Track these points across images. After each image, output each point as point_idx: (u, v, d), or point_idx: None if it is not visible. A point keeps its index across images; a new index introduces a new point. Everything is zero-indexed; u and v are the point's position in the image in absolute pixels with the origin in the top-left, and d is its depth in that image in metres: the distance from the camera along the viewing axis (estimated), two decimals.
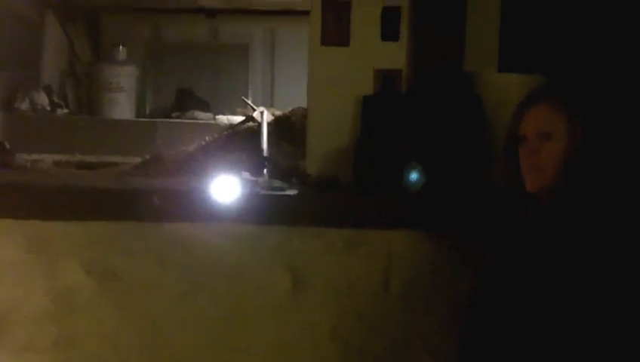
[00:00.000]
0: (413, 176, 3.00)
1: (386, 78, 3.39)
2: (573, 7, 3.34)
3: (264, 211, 3.03)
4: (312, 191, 3.25)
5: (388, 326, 2.99)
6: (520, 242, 1.83)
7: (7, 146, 4.29)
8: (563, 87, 1.95)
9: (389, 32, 3.44)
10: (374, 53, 3.45)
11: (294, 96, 5.79)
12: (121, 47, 6.95)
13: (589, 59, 3.19)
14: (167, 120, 6.83)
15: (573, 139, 1.81)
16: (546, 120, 1.85)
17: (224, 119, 6.31)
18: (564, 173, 1.81)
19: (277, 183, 3.40)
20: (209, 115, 6.87)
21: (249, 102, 5.30)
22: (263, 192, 3.21)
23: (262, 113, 4.46)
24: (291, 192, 3.24)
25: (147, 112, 7.28)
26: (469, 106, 3.20)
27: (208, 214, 2.95)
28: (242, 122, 4.70)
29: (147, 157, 4.22)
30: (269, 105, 6.12)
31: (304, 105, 4.11)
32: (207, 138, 4.49)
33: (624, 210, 1.77)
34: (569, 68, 3.21)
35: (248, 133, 4.45)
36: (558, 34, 3.39)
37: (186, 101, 7.06)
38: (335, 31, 3.46)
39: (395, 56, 3.43)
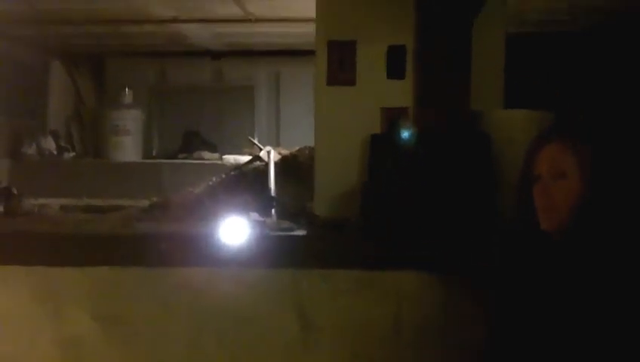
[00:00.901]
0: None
1: (393, 117, 3.38)
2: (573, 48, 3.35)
3: (272, 253, 3.00)
4: (321, 233, 3.22)
5: None
6: (535, 282, 1.80)
7: (15, 192, 4.28)
8: (572, 126, 1.94)
9: (395, 71, 3.43)
10: (380, 92, 3.44)
11: (299, 135, 5.81)
12: (127, 90, 6.99)
13: (596, 95, 3.18)
14: (174, 161, 6.85)
15: (584, 177, 1.79)
16: (558, 159, 1.84)
17: (231, 159, 6.32)
18: (577, 211, 1.79)
19: (285, 224, 3.37)
20: (215, 155, 6.89)
21: (256, 141, 5.29)
22: (272, 233, 3.17)
23: (269, 152, 4.44)
24: (300, 233, 3.21)
25: (154, 154, 7.30)
26: (477, 144, 3.18)
27: (216, 258, 2.92)
28: (249, 162, 4.68)
29: (154, 200, 4.20)
30: (275, 144, 6.12)
31: (309, 143, 4.10)
32: (213, 178, 4.47)
33: (636, 248, 1.75)
34: (576, 103, 3.20)
35: (255, 173, 4.43)
36: (562, 71, 3.39)
37: (192, 142, 7.09)
38: (341, 71, 3.46)
39: (402, 94, 3.42)
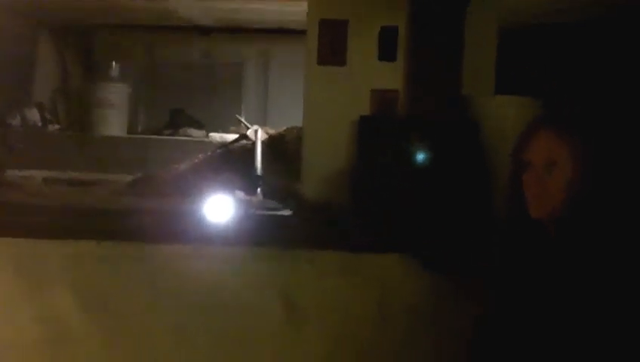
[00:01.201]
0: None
1: (383, 99, 3.35)
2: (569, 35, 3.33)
3: (258, 232, 2.98)
4: (307, 214, 3.20)
5: (384, 352, 2.93)
6: (528, 272, 1.79)
7: None
8: (566, 114, 1.92)
9: (387, 52, 3.41)
10: (371, 74, 3.42)
11: (288, 115, 5.77)
12: (114, 64, 6.93)
13: (590, 86, 3.18)
14: (160, 137, 6.80)
15: (577, 168, 1.78)
16: (549, 147, 1.82)
17: (217, 137, 6.27)
18: (569, 201, 1.78)
19: (271, 203, 3.35)
20: (202, 132, 6.84)
21: (243, 120, 5.26)
22: (257, 212, 3.15)
23: (256, 131, 4.41)
24: (286, 213, 3.20)
25: (139, 130, 7.24)
26: (466, 130, 3.16)
27: (201, 236, 2.90)
28: (236, 140, 4.65)
29: (139, 175, 4.17)
30: (263, 123, 6.08)
31: (297, 124, 4.07)
32: (199, 156, 4.44)
33: (632, 238, 1.74)
34: (570, 93, 3.19)
35: (242, 151, 4.40)
36: (554, 58, 3.38)
37: (178, 119, 7.03)
38: (332, 51, 3.43)
39: (392, 76, 3.39)
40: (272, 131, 4.59)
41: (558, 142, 1.82)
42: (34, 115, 6.51)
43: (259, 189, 3.64)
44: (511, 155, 1.91)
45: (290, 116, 5.22)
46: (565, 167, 1.80)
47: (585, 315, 1.67)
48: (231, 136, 5.15)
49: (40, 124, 6.56)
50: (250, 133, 4.50)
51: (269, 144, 4.33)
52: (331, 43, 3.42)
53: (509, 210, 1.93)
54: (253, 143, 4.31)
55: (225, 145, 4.65)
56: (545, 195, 1.81)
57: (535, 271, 1.79)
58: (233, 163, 4.14)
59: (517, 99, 3.18)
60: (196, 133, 6.79)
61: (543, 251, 1.80)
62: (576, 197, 1.77)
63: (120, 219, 3.03)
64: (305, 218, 3.15)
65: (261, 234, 2.99)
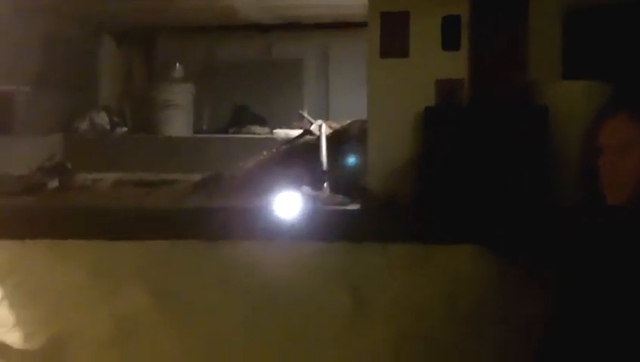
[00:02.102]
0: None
1: (448, 89, 3.32)
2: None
3: (327, 228, 2.98)
4: (374, 207, 3.19)
5: (453, 345, 2.90)
6: (602, 258, 1.74)
7: (69, 166, 4.34)
8: (638, 97, 1.86)
9: (450, 41, 3.36)
10: (435, 64, 3.38)
11: (349, 108, 5.76)
12: (177, 65, 7.02)
13: None
14: (224, 135, 6.87)
15: None
16: (624, 130, 1.77)
17: (282, 133, 6.31)
18: None
19: (338, 198, 3.35)
20: (266, 129, 6.88)
21: (306, 115, 5.27)
22: (325, 207, 3.16)
23: (320, 126, 4.41)
24: (353, 207, 3.19)
25: (204, 129, 7.33)
26: (534, 116, 3.11)
27: (271, 232, 2.91)
28: (300, 136, 4.66)
29: (207, 174, 4.21)
30: (325, 118, 6.09)
31: (359, 117, 4.05)
32: (264, 153, 4.46)
33: None
34: (637, 76, 3.10)
35: (306, 147, 4.41)
36: (624, 40, 3.29)
37: (242, 117, 7.09)
38: (394, 42, 3.40)
39: (457, 65, 3.35)
40: (335, 125, 4.59)
41: (632, 124, 1.77)
42: (102, 119, 6.65)
43: (325, 184, 3.63)
44: (584, 141, 1.86)
45: (352, 110, 5.21)
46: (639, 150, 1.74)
47: None
48: (295, 132, 5.17)
49: (108, 127, 6.70)
50: (314, 128, 4.51)
51: (333, 138, 4.32)
52: (393, 35, 3.40)
53: (582, 197, 1.88)
54: (318, 138, 4.31)
55: (290, 141, 4.66)
56: (621, 180, 1.76)
57: (610, 261, 1.73)
58: (299, 159, 4.15)
59: (585, 83, 3.12)
60: (260, 130, 6.84)
61: (619, 239, 1.74)
62: None
63: (191, 218, 3.06)
64: (373, 211, 3.14)
65: (330, 229, 2.99)
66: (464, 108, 3.29)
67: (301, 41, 7.55)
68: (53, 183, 3.89)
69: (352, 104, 5.98)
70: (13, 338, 3.00)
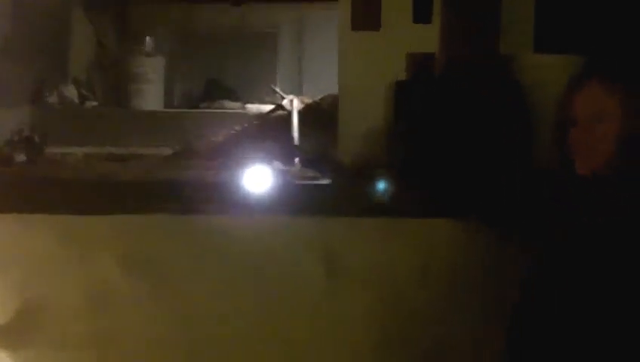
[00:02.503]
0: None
1: (419, 63, 3.31)
2: None
3: (298, 201, 2.98)
4: (346, 180, 3.19)
5: (428, 316, 2.92)
6: (575, 231, 1.75)
7: (37, 140, 4.28)
8: (614, 65, 1.87)
9: (421, 15, 3.36)
10: (406, 37, 3.37)
11: (323, 83, 5.75)
12: (148, 38, 6.95)
13: (631, 38, 3.10)
14: (196, 110, 6.83)
15: (627, 119, 1.73)
16: (597, 100, 1.77)
17: (253, 108, 6.28)
18: (618, 154, 1.73)
19: (309, 172, 3.35)
20: (238, 104, 6.85)
21: (278, 90, 5.25)
22: (296, 182, 3.15)
23: (292, 101, 4.41)
24: (324, 181, 3.19)
25: (175, 103, 7.28)
26: (506, 88, 3.11)
27: (241, 206, 2.91)
28: (272, 111, 4.66)
29: (177, 148, 4.19)
30: (298, 92, 6.07)
31: (333, 92, 4.05)
32: (236, 127, 4.45)
33: None
34: (609, 47, 3.12)
35: (278, 121, 4.41)
36: (595, 12, 3.30)
37: (214, 90, 7.05)
38: (365, 15, 3.39)
39: (428, 39, 3.34)
40: (307, 100, 4.59)
41: (606, 93, 1.77)
42: (71, 92, 6.57)
43: (297, 159, 3.63)
44: (556, 112, 1.87)
45: (326, 84, 5.19)
46: (613, 119, 1.75)
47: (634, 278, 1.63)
48: (267, 107, 5.16)
49: (77, 100, 6.61)
50: (285, 103, 4.50)
51: (305, 113, 4.32)
52: (365, 8, 3.38)
53: (554, 167, 1.89)
54: (289, 113, 4.30)
55: (262, 115, 4.66)
56: (592, 150, 1.76)
57: (580, 232, 1.75)
58: (270, 133, 4.15)
59: (557, 57, 3.13)
60: (232, 105, 6.81)
61: (590, 211, 1.76)
62: (624, 148, 1.72)
63: (161, 191, 3.04)
64: (344, 185, 3.14)
65: (301, 204, 2.98)
66: (435, 82, 3.28)
67: (275, 12, 7.51)
68: (21, 157, 3.84)
69: (326, 77, 5.97)
70: None
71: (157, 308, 2.98)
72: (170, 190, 3.07)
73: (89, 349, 2.98)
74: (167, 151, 4.38)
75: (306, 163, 3.57)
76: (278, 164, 3.46)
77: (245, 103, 6.74)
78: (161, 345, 2.98)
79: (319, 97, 4.49)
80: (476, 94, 3.08)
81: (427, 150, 3.02)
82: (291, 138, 4.04)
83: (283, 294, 2.96)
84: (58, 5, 6.69)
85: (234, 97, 6.98)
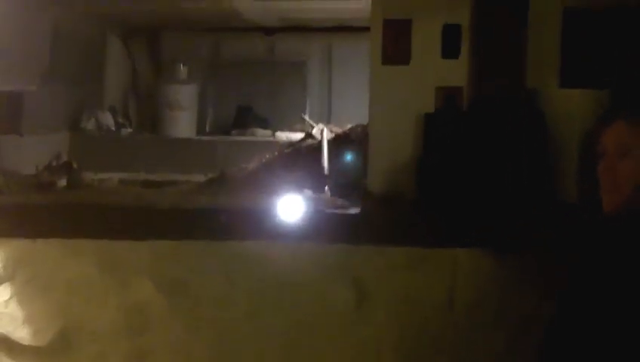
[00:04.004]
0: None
1: (447, 96, 3.40)
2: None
3: (328, 230, 3.06)
4: (375, 210, 3.27)
5: (452, 344, 2.98)
6: (599, 263, 1.79)
7: (75, 166, 4.41)
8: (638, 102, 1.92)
9: (450, 50, 3.45)
10: (435, 71, 3.46)
11: (351, 111, 5.83)
12: (182, 65, 7.08)
13: None
14: (227, 138, 6.93)
15: None
16: (625, 136, 1.82)
17: (283, 136, 6.38)
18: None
19: (339, 201, 3.43)
20: (268, 132, 6.95)
21: (308, 119, 5.34)
22: (326, 210, 3.23)
23: (322, 131, 4.49)
24: (354, 210, 3.27)
25: (207, 130, 7.39)
26: (532, 122, 3.19)
27: (274, 233, 2.99)
28: (302, 139, 4.74)
29: (211, 175, 4.29)
30: (326, 121, 6.16)
31: (361, 120, 4.13)
32: (268, 155, 4.54)
33: None
34: (635, 83, 3.18)
35: (308, 150, 4.49)
36: (619, 48, 3.36)
37: (245, 118, 7.15)
38: (396, 50, 3.48)
39: (456, 73, 3.43)
40: (336, 129, 4.67)
41: (631, 129, 1.82)
42: (107, 119, 6.72)
43: (327, 187, 3.71)
44: (584, 147, 1.91)
45: (354, 112, 5.28)
46: (637, 156, 1.79)
47: None
48: (296, 135, 5.25)
49: (113, 128, 6.77)
50: (315, 132, 4.59)
51: (335, 142, 4.40)
52: (395, 42, 3.48)
53: (582, 202, 1.93)
54: (319, 142, 4.39)
55: (293, 144, 4.74)
56: (618, 186, 1.80)
57: (607, 264, 1.78)
58: (301, 162, 4.22)
59: (582, 91, 3.19)
60: (262, 133, 6.91)
61: (616, 243, 1.79)
62: None
63: (196, 217, 3.14)
64: (372, 215, 3.22)
65: (331, 231, 3.06)
66: (462, 115, 3.37)
67: (305, 42, 7.62)
68: (62, 182, 3.96)
69: (354, 105, 6.07)
70: (22, 334, 3.08)
71: (192, 331, 3.07)
72: (205, 216, 3.16)
73: None
74: (199, 177, 4.47)
75: (336, 191, 3.65)
76: (308, 192, 3.54)
77: (275, 131, 6.85)
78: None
79: (348, 127, 4.57)
80: (503, 127, 3.16)
81: (455, 182, 3.10)
82: (321, 167, 4.11)
83: (312, 318, 3.04)
84: (95, 35, 6.87)
85: (264, 125, 7.08)
